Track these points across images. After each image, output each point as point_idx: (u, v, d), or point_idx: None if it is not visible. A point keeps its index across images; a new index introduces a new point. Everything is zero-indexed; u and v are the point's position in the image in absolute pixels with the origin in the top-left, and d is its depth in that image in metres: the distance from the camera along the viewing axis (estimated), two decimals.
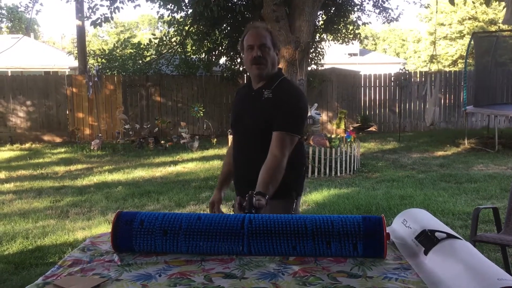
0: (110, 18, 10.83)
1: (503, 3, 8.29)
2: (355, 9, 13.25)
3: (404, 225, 1.83)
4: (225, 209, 5.12)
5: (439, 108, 10.05)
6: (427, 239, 1.59)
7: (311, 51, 12.07)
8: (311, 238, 1.59)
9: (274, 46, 2.24)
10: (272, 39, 2.23)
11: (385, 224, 1.62)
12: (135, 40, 18.03)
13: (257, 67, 2.20)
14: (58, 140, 12.38)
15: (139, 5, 13.67)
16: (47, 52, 23.68)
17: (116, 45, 14.68)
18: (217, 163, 8.57)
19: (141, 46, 13.95)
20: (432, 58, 13.32)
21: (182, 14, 12.15)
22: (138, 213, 1.74)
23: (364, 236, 1.59)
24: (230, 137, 2.63)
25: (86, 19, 11.53)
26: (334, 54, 24.73)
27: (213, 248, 1.63)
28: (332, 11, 12.72)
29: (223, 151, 9.57)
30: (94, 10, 10.98)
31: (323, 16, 13.09)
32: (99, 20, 10.69)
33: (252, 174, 2.17)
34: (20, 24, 33.43)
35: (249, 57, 2.21)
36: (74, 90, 12.46)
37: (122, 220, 1.71)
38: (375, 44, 46.99)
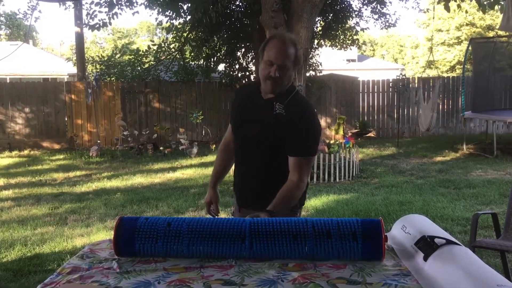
0: (108, 23, 10.89)
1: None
2: (353, 15, 13.31)
3: (403, 231, 1.83)
4: (224, 214, 5.12)
5: (436, 113, 10.05)
6: (427, 245, 1.59)
7: (309, 57, 12.09)
8: (311, 228, 1.63)
9: (295, 63, 2.12)
10: (296, 55, 2.10)
11: (383, 226, 1.64)
12: (133, 47, 18.05)
13: (271, 83, 2.10)
14: (56, 146, 12.36)
15: (137, 11, 13.72)
16: (46, 59, 23.73)
17: (115, 51, 14.70)
18: None
19: (140, 52, 13.98)
20: (430, 64, 13.37)
21: (181, 20, 12.19)
22: (141, 217, 1.78)
23: (363, 232, 1.63)
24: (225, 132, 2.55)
25: (84, 25, 11.56)
26: (333, 60, 24.84)
27: (215, 244, 1.64)
28: (330, 17, 12.76)
29: None
30: (92, 16, 11.02)
31: (321, 22, 13.13)
32: (97, 25, 10.74)
33: (255, 184, 2.16)
34: (19, 31, 33.50)
35: (266, 72, 2.09)
36: (73, 96, 12.46)
37: (125, 220, 1.74)
38: (373, 50, 47.18)
